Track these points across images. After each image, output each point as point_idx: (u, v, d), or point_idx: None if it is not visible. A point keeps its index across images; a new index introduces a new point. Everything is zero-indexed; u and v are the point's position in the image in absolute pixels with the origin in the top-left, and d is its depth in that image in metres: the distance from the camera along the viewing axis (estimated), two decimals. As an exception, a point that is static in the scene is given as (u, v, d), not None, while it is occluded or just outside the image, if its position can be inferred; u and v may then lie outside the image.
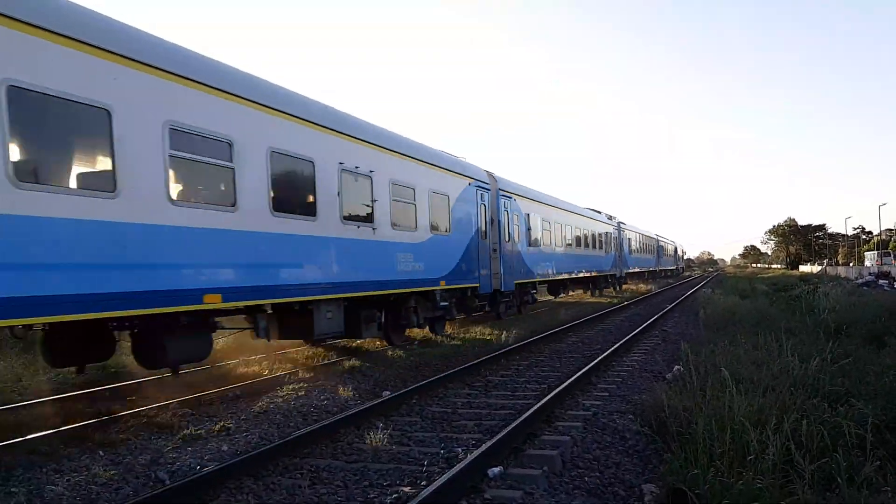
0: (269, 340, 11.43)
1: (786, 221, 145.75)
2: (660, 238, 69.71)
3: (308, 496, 5.90)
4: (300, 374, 11.88)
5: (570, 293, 35.38)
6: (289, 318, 11.50)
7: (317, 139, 11.62)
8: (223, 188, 9.63)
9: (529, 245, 23.72)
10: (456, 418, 8.57)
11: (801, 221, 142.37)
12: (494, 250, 19.79)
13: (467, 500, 5.58)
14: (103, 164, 7.87)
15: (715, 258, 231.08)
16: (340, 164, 12.16)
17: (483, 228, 19.07)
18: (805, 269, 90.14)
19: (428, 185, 15.76)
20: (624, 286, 42.92)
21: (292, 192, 11.15)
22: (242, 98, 9.88)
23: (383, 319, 14.36)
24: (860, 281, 37.45)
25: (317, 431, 7.59)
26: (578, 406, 9.05)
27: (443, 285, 16.26)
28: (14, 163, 6.80)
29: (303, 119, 11.29)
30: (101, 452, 7.20)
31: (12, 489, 6.09)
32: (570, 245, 30.15)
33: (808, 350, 10.00)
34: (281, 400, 9.73)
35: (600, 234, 37.24)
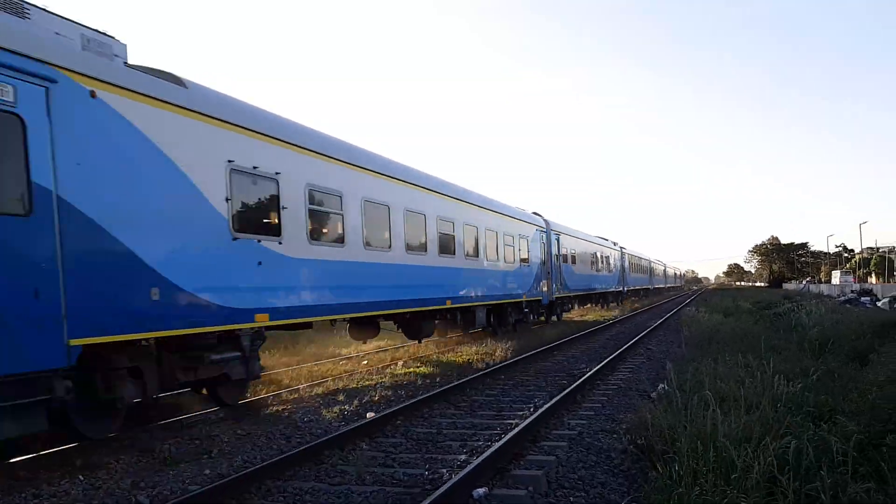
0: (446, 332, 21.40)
1: (769, 240, 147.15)
2: (651, 260, 76.37)
3: (290, 520, 5.84)
4: (284, 396, 11.80)
5: (587, 306, 41.66)
6: (465, 315, 19.44)
7: (457, 207, 18.78)
8: (385, 235, 14.54)
9: (567, 268, 32.65)
10: (441, 439, 8.53)
11: (784, 240, 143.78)
12: (548, 273, 28.01)
13: (452, 522, 5.54)
14: (338, 228, 12.66)
15: (699, 276, 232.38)
16: (488, 228, 21.17)
17: (543, 259, 27.51)
18: (788, 286, 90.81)
19: (519, 231, 24.54)
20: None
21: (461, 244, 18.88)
22: (347, 162, 13.06)
23: (492, 319, 22.12)
24: (843, 298, 37.77)
25: (300, 454, 7.53)
26: (564, 425, 9.03)
27: (524, 298, 24.39)
28: (309, 230, 11.48)
29: (420, 186, 16.50)
30: (80, 477, 7.09)
31: (-11, 515, 5.98)
32: (591, 267, 38.69)
33: (791, 367, 10.06)
34: (263, 422, 9.64)
35: (608, 258, 45.36)
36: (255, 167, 10.17)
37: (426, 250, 16.32)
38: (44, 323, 6.80)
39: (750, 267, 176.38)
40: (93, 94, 7.60)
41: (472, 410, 10.37)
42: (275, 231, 10.59)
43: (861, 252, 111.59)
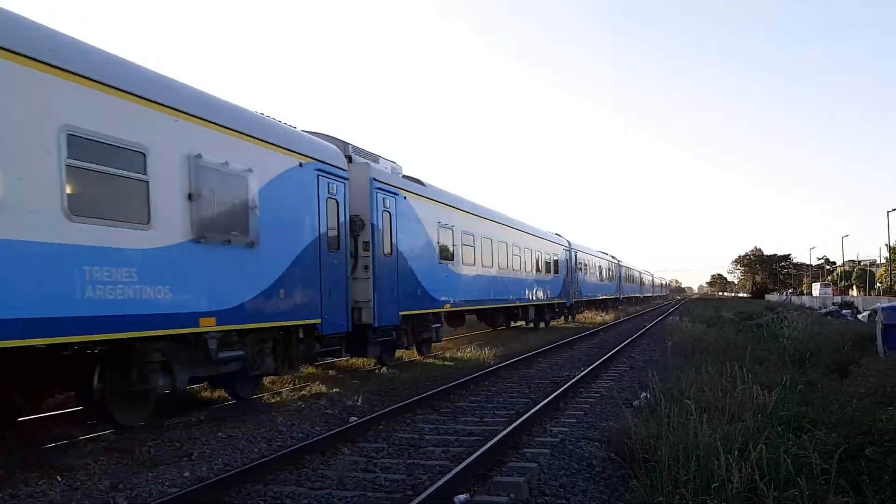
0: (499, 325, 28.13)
1: (752, 251, 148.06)
2: (641, 271, 77.14)
3: (272, 524, 5.81)
4: (265, 399, 11.74)
5: (584, 311, 42.90)
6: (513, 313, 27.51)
7: (521, 235, 27.45)
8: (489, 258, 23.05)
9: (582, 278, 39.94)
10: (423, 444, 8.51)
11: (767, 251, 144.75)
12: (569, 283, 36.05)
13: (433, 528, 5.53)
14: (472, 256, 21.92)
15: (683, 286, 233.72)
16: (537, 249, 29.78)
17: (566, 271, 36.04)
18: (771, 297, 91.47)
19: (553, 251, 33.39)
20: (579, 315, 39.80)
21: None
22: (480, 216, 22.74)
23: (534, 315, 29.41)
24: (824, 310, 38.09)
25: (281, 457, 7.49)
26: (546, 432, 9.04)
27: (556, 301, 32.80)
28: (462, 257, 20.32)
29: (499, 223, 24.89)
30: (58, 478, 7.01)
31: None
32: (597, 278, 44.90)
33: (772, 378, 10.12)
34: (245, 426, 9.58)
35: (610, 270, 50.08)
36: (450, 224, 19.16)
37: (507, 266, 24.85)
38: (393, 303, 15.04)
39: (733, 277, 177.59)
40: (404, 197, 16.02)
41: (454, 416, 10.35)
42: (450, 256, 19.17)
43: (843, 265, 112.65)
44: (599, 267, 47.85)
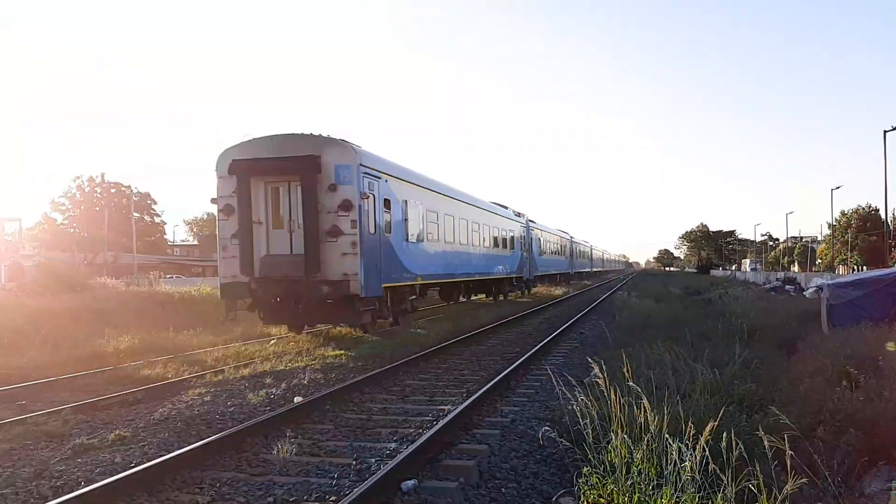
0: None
1: (698, 227, 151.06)
2: (593, 247, 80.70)
3: (207, 513, 5.49)
4: (208, 378, 11.33)
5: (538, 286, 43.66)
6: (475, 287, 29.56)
7: (484, 214, 29.48)
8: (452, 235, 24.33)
9: (538, 254, 42.49)
10: (371, 425, 8.26)
11: (714, 227, 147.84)
12: (527, 258, 38.15)
13: (378, 517, 5.28)
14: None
15: (631, 261, 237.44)
16: (498, 226, 31.76)
17: (524, 247, 37.61)
18: (716, 273, 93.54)
19: (511, 227, 34.79)
20: (534, 289, 41.55)
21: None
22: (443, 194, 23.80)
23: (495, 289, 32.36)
24: (768, 286, 38.95)
25: (220, 441, 7.13)
26: (497, 412, 8.87)
27: (514, 275, 34.53)
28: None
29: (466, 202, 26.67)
30: (-23, 466, 6.55)
31: None
32: (552, 254, 47.31)
33: (721, 355, 10.13)
34: (184, 406, 9.19)
35: (564, 246, 53.13)
36: (420, 202, 20.44)
37: (468, 242, 25.85)
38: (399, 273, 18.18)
39: (680, 253, 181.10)
40: (385, 180, 17.25)
41: (404, 396, 10.12)
42: (419, 234, 20.24)
43: (786, 241, 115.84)
44: (554, 243, 50.35)
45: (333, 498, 5.62)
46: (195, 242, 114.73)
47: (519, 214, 37.45)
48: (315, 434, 7.86)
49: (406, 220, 18.81)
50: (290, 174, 15.28)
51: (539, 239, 43.13)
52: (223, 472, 6.53)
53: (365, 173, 15.71)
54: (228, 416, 8.69)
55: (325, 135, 15.63)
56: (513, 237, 34.59)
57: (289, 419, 8.26)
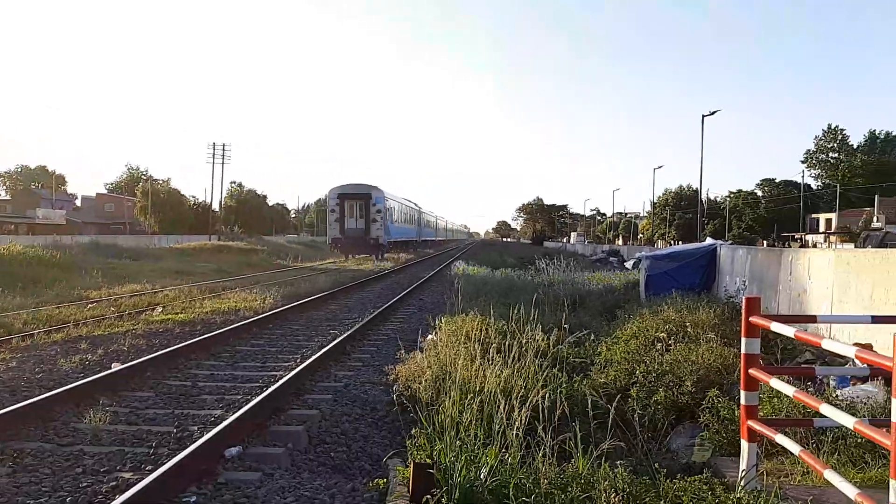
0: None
1: (534, 200, 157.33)
2: (438, 217, 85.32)
3: (5, 487, 4.98)
4: (14, 343, 10.33)
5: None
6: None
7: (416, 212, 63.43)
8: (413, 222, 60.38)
9: (391, 222, 49.14)
10: (196, 392, 7.87)
11: (548, 201, 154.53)
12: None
13: (198, 486, 5.01)
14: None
15: (472, 231, 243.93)
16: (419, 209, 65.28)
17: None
18: (549, 244, 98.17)
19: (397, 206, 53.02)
20: (386, 255, 44.12)
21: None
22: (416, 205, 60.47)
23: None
24: (594, 257, 41.41)
25: (25, 409, 6.50)
26: (331, 377, 8.76)
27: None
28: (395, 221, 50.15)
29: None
30: None
31: None
32: (403, 223, 54.04)
33: (548, 321, 10.56)
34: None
35: (413, 216, 60.89)
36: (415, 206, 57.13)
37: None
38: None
39: (516, 224, 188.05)
40: (385, 198, 47.06)
41: (234, 362, 9.74)
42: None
43: (612, 216, 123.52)
44: (405, 213, 57.39)
45: (150, 467, 5.27)
46: (7, 196, 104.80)
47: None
48: (133, 402, 7.38)
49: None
50: (359, 199, 41.31)
51: (392, 209, 48.89)
52: (28, 442, 5.96)
53: (383, 198, 40.67)
54: (35, 384, 7.96)
55: (371, 184, 42.24)
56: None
57: (104, 386, 7.69)
